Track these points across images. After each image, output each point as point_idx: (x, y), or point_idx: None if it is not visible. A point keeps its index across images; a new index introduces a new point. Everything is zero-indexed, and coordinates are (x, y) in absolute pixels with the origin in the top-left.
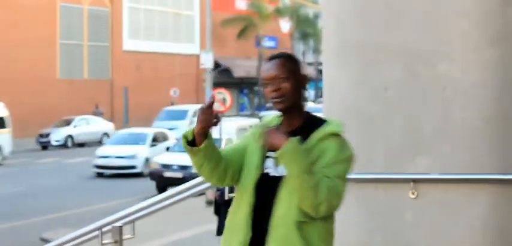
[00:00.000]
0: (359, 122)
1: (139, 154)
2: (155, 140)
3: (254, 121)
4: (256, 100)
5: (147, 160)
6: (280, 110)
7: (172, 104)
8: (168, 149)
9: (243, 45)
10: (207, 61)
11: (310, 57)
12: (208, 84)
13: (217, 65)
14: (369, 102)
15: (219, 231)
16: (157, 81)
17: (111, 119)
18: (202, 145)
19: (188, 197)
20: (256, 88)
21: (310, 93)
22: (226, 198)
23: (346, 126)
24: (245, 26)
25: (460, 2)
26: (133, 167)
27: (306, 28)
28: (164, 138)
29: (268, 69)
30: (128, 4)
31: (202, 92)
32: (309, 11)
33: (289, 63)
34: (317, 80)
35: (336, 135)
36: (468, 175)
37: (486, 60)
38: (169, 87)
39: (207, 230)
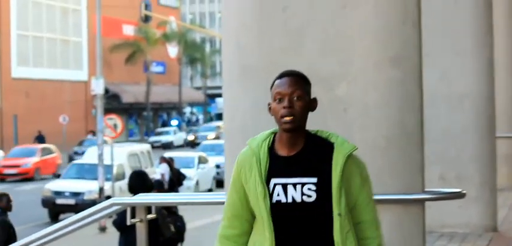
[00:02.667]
0: None
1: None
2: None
3: (144, 147)
4: (145, 125)
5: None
6: (288, 130)
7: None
8: (59, 176)
9: (131, 70)
10: (98, 87)
11: (198, 82)
12: (99, 110)
13: (106, 91)
14: (270, 126)
15: None
16: (46, 108)
17: (0, 147)
18: None
19: (86, 224)
20: (145, 113)
21: (198, 117)
22: (128, 223)
23: None
24: (133, 52)
25: (358, 23)
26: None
27: (194, 53)
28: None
29: (283, 84)
30: (16, 31)
31: (91, 119)
32: (196, 35)
33: (304, 83)
34: (205, 105)
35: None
36: None
37: (387, 80)
38: (59, 114)
39: None
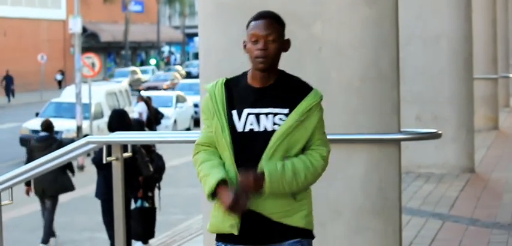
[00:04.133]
0: None
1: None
2: None
3: (123, 86)
4: (123, 65)
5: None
6: (261, 70)
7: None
8: (37, 114)
9: (109, 9)
10: (76, 26)
11: (176, 21)
12: (77, 49)
13: (84, 30)
14: (245, 64)
15: (97, 193)
16: (24, 48)
17: None
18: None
19: (64, 162)
20: (123, 52)
21: (176, 56)
22: (103, 162)
23: None
24: None
25: None
26: None
27: None
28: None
29: (258, 27)
30: None
31: (70, 57)
32: None
33: (278, 25)
34: (183, 44)
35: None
36: (346, 136)
37: (362, 19)
38: (37, 53)
39: (80, 195)
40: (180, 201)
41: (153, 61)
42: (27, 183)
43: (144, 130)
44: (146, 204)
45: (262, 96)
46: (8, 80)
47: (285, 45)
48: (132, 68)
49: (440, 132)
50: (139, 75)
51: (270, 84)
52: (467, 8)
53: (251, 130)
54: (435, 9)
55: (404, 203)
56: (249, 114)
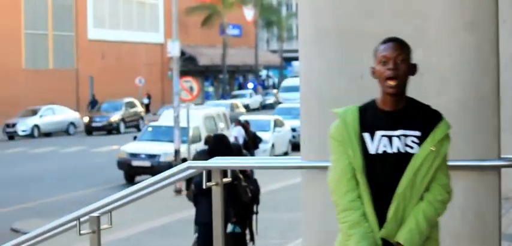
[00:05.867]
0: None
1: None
2: None
3: (220, 110)
4: (221, 88)
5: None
6: (391, 94)
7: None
8: (135, 138)
9: (207, 33)
10: (174, 49)
11: (274, 45)
12: (175, 72)
13: (182, 53)
14: (345, 90)
15: (197, 220)
16: (122, 70)
17: (76, 108)
18: None
19: (163, 187)
20: (221, 76)
21: (274, 80)
22: (204, 186)
23: (323, 114)
24: (209, 14)
25: None
26: None
27: (270, 16)
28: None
29: (389, 48)
30: None
31: (167, 81)
32: None
33: (406, 48)
34: (281, 68)
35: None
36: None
37: (461, 45)
38: (135, 76)
39: (176, 219)
40: (278, 225)
41: (250, 85)
42: None
43: (242, 154)
44: (238, 229)
45: (394, 119)
46: (93, 104)
47: (413, 68)
48: (231, 101)
49: None
50: (240, 109)
51: (401, 108)
52: None
53: (384, 152)
54: None
55: (504, 229)
56: (382, 136)
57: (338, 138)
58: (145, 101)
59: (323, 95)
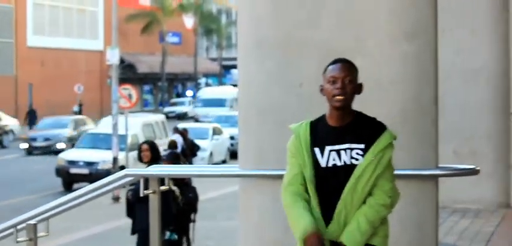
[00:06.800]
0: (275, 118)
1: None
2: None
3: (159, 117)
4: (159, 96)
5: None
6: (338, 108)
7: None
8: (73, 145)
9: (147, 40)
10: (113, 57)
11: (214, 53)
12: (114, 80)
13: (121, 61)
14: (284, 98)
15: (134, 230)
16: (61, 78)
17: (15, 115)
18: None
19: (101, 194)
20: (160, 84)
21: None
22: (141, 195)
23: (261, 123)
24: (149, 22)
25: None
26: None
27: (210, 24)
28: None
29: (338, 69)
30: (32, 0)
31: (106, 88)
32: (213, 6)
33: (354, 70)
34: (220, 76)
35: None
36: None
37: (402, 55)
38: (74, 83)
39: (115, 226)
40: (215, 233)
41: (189, 92)
42: None
43: (180, 163)
44: (174, 236)
45: (342, 133)
46: (31, 114)
47: (359, 88)
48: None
49: (478, 168)
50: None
51: (348, 122)
52: (506, 43)
53: (334, 165)
54: (474, 45)
55: (441, 238)
56: (330, 151)
57: (292, 150)
58: (75, 108)
59: (261, 103)
